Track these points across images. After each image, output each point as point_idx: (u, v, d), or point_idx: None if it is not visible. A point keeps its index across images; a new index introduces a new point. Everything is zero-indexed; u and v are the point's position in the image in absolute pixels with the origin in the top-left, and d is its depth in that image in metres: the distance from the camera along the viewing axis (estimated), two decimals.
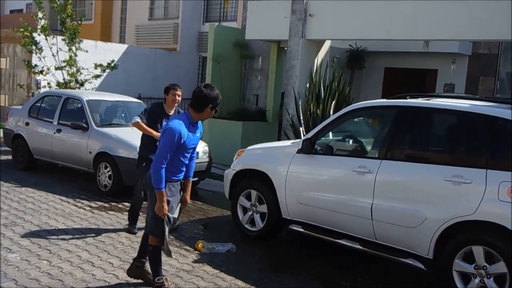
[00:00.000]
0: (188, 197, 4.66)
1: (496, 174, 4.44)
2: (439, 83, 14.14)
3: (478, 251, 4.48)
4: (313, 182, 5.76)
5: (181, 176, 4.51)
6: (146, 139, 6.21)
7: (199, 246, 5.82)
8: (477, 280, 4.49)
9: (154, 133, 6.06)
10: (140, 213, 6.62)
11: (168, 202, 4.34)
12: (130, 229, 6.32)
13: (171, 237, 6.17)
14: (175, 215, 4.49)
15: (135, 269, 4.81)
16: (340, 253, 5.84)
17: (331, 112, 8.97)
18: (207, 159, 8.74)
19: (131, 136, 7.82)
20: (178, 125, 4.20)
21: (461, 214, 4.54)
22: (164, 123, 6.20)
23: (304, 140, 5.84)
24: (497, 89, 13.48)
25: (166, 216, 4.32)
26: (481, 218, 4.45)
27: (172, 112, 6.12)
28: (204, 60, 17.08)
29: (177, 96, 6.10)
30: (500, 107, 4.76)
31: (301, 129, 8.91)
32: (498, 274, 4.39)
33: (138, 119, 6.13)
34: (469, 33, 8.23)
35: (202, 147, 8.74)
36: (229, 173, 6.72)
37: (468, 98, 5.40)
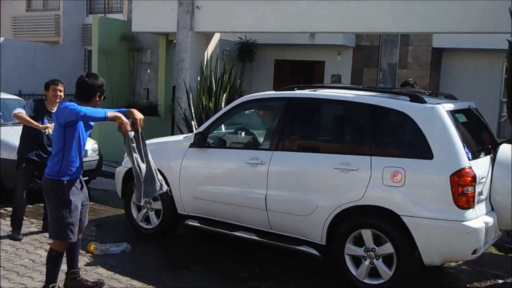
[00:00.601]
0: None
1: (380, 160, 4.70)
2: (327, 74, 14.76)
3: (366, 234, 4.72)
4: (207, 176, 5.75)
5: (79, 173, 4.26)
6: (26, 138, 5.84)
7: (92, 248, 5.59)
8: (367, 262, 4.74)
9: (37, 124, 5.70)
10: (25, 218, 6.21)
11: (70, 202, 4.10)
12: (14, 235, 5.91)
13: None
14: (80, 216, 4.26)
15: (70, 283, 4.51)
16: (238, 246, 5.89)
17: (223, 105, 9.01)
18: (97, 157, 8.41)
19: (10, 136, 7.29)
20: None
21: (350, 200, 4.76)
22: (45, 121, 5.86)
23: (196, 134, 5.81)
24: (379, 79, 14.34)
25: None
26: (368, 203, 4.70)
27: (54, 109, 5.80)
28: (90, 54, 16.36)
29: (58, 92, 5.80)
30: (382, 97, 5.05)
31: (193, 123, 8.89)
32: (386, 255, 4.66)
33: (21, 110, 5.74)
34: (351, 26, 8.64)
35: (91, 145, 8.39)
36: (120, 171, 6.51)
37: (353, 89, 5.67)
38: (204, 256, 5.66)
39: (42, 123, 5.86)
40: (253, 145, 6.06)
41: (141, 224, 6.25)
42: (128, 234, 6.29)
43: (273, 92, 6.01)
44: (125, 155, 6.56)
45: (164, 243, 6.04)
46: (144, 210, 6.22)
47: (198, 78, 10.01)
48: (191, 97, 9.60)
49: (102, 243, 5.75)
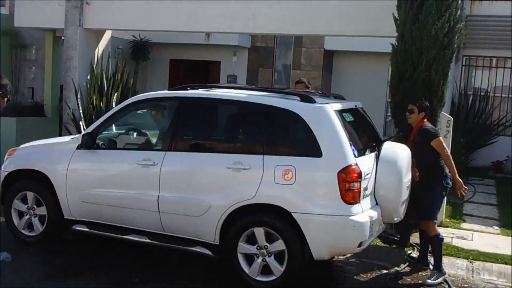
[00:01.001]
0: None
1: (272, 159, 4.83)
2: (223, 74, 14.88)
3: (259, 232, 4.83)
4: (97, 179, 5.56)
5: None
6: None
7: None
8: (259, 260, 4.85)
9: None
10: None
11: None
12: None
13: None
14: None
15: None
16: (131, 249, 5.75)
17: (114, 105, 8.76)
18: None
19: None
20: None
21: (243, 199, 4.84)
22: None
23: (84, 135, 5.60)
24: (274, 80, 14.71)
25: None
26: (260, 201, 4.80)
27: None
28: None
29: None
30: (274, 97, 5.18)
31: (81, 123, 8.54)
32: (278, 252, 4.80)
33: None
34: (244, 26, 8.77)
35: None
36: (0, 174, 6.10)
37: (246, 88, 5.77)
38: (93, 262, 5.47)
39: None
40: (145, 145, 5.97)
41: (23, 231, 5.90)
42: (9, 243, 5.89)
43: (166, 91, 5.96)
44: (5, 158, 6.17)
45: (50, 251, 5.75)
46: (27, 217, 5.88)
47: (88, 77, 9.64)
48: (80, 96, 9.23)
49: None
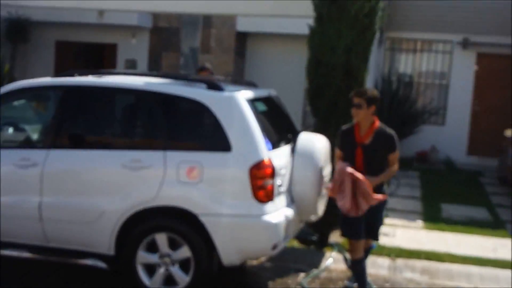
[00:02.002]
0: None
1: (175, 154, 4.84)
2: (120, 59, 14.62)
3: (161, 238, 4.84)
4: None
5: None
6: None
7: None
8: (162, 270, 4.87)
9: None
10: None
11: None
12: None
13: None
14: None
15: None
16: (13, 265, 5.57)
17: None
18: None
19: None
20: None
21: (142, 202, 4.82)
22: None
23: None
24: (180, 65, 14.63)
25: None
26: (162, 203, 4.81)
27: None
28: None
29: None
30: (177, 84, 5.19)
31: None
32: (183, 259, 4.84)
33: None
34: (144, 4, 8.68)
35: None
36: None
37: (145, 75, 5.73)
38: None
39: None
40: (24, 143, 5.77)
41: None
42: None
43: (49, 79, 5.78)
44: None
45: None
46: None
47: None
48: None
49: None
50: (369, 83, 6.87)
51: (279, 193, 4.97)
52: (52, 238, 5.09)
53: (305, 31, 6.64)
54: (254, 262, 6.00)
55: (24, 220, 5.10)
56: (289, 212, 5.01)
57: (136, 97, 5.34)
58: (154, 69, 13.92)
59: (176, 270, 4.84)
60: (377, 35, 6.57)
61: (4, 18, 13.05)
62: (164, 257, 4.85)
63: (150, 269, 4.91)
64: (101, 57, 15.11)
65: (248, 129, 4.83)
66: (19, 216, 5.11)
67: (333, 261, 6.13)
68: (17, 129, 5.88)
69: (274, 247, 4.79)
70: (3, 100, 5.51)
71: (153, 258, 4.88)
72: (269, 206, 4.76)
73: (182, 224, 4.80)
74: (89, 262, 5.00)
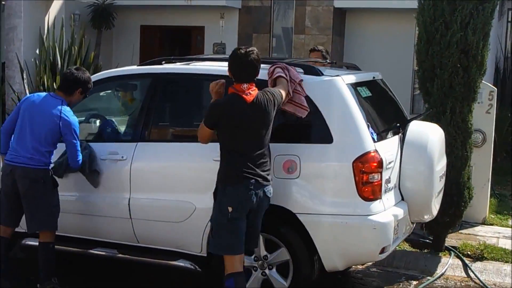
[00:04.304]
0: None
1: (270, 147, 4.83)
2: (208, 43, 14.80)
3: None
4: None
5: None
6: None
7: None
8: (258, 273, 4.90)
9: None
10: None
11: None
12: None
13: None
14: None
15: None
16: (103, 264, 5.79)
17: None
18: None
19: None
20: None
21: None
22: None
23: None
24: (272, 47, 14.66)
25: None
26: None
27: None
28: None
29: None
30: None
31: None
32: (281, 263, 4.85)
33: None
34: None
35: None
36: None
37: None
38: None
39: None
40: (111, 136, 5.97)
41: None
42: None
43: (135, 67, 5.97)
44: None
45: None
46: None
47: (37, 51, 9.65)
48: (26, 76, 9.24)
49: None
50: (489, 62, 6.57)
51: (387, 190, 4.87)
52: (141, 237, 5.25)
53: (413, 4, 6.47)
54: (360, 267, 5.92)
55: (112, 218, 5.29)
56: (399, 212, 4.90)
57: (228, 84, 5.37)
58: None
59: (273, 274, 4.86)
60: (498, 6, 6.28)
61: (89, 4, 13.58)
62: (260, 259, 4.88)
63: (245, 273, 4.94)
64: (188, 42, 15.38)
65: (350, 117, 4.76)
66: (107, 214, 5.30)
67: (450, 268, 5.93)
68: (103, 121, 6.10)
69: (382, 251, 4.71)
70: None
71: (248, 261, 4.90)
72: (376, 204, 4.68)
73: (280, 224, 4.80)
74: (179, 263, 5.11)
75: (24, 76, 9.22)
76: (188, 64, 5.58)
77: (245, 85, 4.43)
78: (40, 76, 9.34)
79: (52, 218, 5.15)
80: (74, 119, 5.15)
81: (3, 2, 10.17)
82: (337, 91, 4.83)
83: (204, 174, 4.96)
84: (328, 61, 6.45)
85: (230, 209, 4.40)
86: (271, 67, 4.86)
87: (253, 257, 4.90)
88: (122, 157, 5.25)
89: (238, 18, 14.64)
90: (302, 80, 4.80)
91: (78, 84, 5.19)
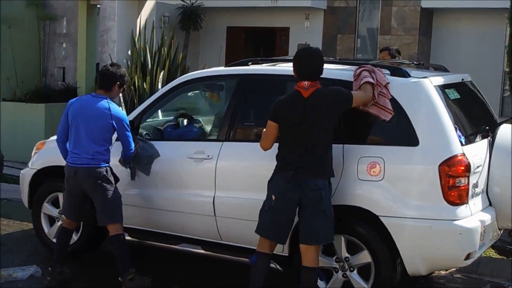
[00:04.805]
0: None
1: (353, 148, 4.81)
2: (292, 43, 14.81)
3: (338, 240, 4.82)
4: (139, 176, 5.72)
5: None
6: None
7: None
8: (339, 275, 4.85)
9: None
10: None
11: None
12: None
13: None
14: None
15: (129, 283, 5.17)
16: (184, 260, 5.92)
17: (160, 86, 8.99)
18: None
19: None
20: None
21: None
22: None
23: None
24: (357, 48, 14.52)
25: None
26: (339, 202, 4.78)
27: None
28: None
29: None
30: None
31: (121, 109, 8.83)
32: (362, 265, 4.79)
33: None
34: None
35: None
36: (26, 174, 6.42)
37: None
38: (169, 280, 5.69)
39: None
40: (198, 135, 6.08)
41: (54, 240, 6.19)
42: (37, 254, 6.25)
43: (223, 68, 6.05)
44: (33, 153, 6.47)
45: (85, 262, 6.02)
46: (59, 223, 6.15)
47: (129, 52, 9.94)
48: None
49: (4, 268, 5.69)
50: None
51: (475, 195, 4.73)
52: (225, 234, 5.31)
53: (505, 4, 6.25)
54: (443, 273, 5.78)
55: (197, 215, 5.37)
56: (486, 217, 4.75)
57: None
58: (328, 54, 13.95)
59: (354, 276, 4.80)
60: None
61: (178, 6, 13.88)
62: (342, 261, 4.84)
63: (326, 274, 4.91)
64: (272, 43, 15.44)
65: (437, 120, 4.65)
66: (192, 211, 5.40)
67: None
68: (191, 120, 6.21)
69: (468, 257, 4.57)
70: (178, 91, 5.86)
71: (329, 262, 4.89)
72: (462, 209, 4.55)
73: (362, 226, 4.75)
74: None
75: None
76: (274, 65, 5.61)
77: (306, 83, 4.58)
78: (131, 76, 9.60)
79: (118, 211, 5.39)
80: (123, 113, 5.43)
81: (98, 6, 10.54)
82: (425, 93, 4.73)
83: None
84: (401, 60, 6.34)
85: (273, 197, 4.58)
86: (357, 69, 4.83)
87: (334, 258, 4.87)
88: (208, 156, 5.33)
89: (323, 18, 14.59)
90: (388, 83, 4.75)
91: (115, 79, 5.37)
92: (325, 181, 4.58)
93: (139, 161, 5.58)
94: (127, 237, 5.80)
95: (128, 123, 5.40)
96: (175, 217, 5.55)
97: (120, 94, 9.23)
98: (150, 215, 5.70)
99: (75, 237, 6.07)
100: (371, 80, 4.67)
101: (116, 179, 5.45)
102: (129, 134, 5.41)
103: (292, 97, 4.65)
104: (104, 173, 5.29)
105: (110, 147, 5.37)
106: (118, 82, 5.40)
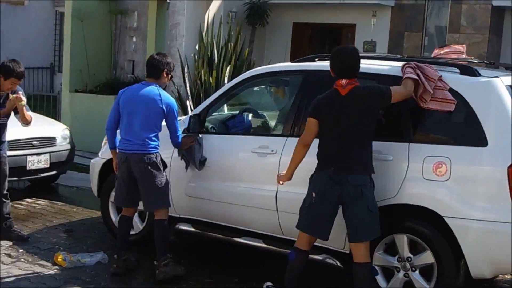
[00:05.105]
0: None
1: (420, 148, 4.73)
2: (358, 40, 14.66)
3: (401, 240, 4.77)
4: (204, 169, 5.79)
5: None
6: None
7: (59, 259, 5.71)
8: (401, 274, 4.79)
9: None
10: None
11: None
12: None
13: (21, 250, 5.99)
14: None
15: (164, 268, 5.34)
16: (246, 253, 5.95)
17: (226, 80, 9.04)
18: (68, 146, 8.52)
19: None
20: None
21: (382, 197, 4.78)
22: None
23: (191, 117, 5.86)
24: (425, 46, 14.24)
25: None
26: (403, 201, 4.73)
27: (2, 93, 6.12)
28: (62, 17, 16.49)
29: (15, 86, 6.13)
30: None
31: (188, 102, 8.95)
32: (424, 266, 4.71)
33: None
34: None
35: (60, 131, 8.51)
36: (96, 163, 6.59)
37: (388, 59, 5.66)
38: (199, 268, 5.76)
39: None
40: (262, 130, 6.12)
41: None
42: (104, 242, 6.42)
43: (289, 64, 6.05)
44: (103, 143, 6.63)
45: (150, 252, 6.12)
46: None
47: (196, 47, 10.03)
48: (186, 70, 9.64)
49: (73, 253, 5.85)
50: None
51: None
52: (286, 229, 5.30)
53: None
54: (507, 277, 5.64)
55: (260, 209, 5.39)
56: None
57: (379, 83, 5.28)
58: (394, 51, 13.73)
59: (416, 277, 4.72)
60: None
61: (246, 2, 13.94)
62: (404, 261, 4.76)
63: (387, 273, 4.87)
64: (338, 39, 15.32)
65: (508, 121, 4.52)
66: (255, 204, 5.42)
67: None
68: (256, 115, 6.24)
69: None
70: (244, 86, 5.90)
71: (391, 261, 4.83)
72: None
73: (426, 226, 4.66)
74: (321, 258, 5.12)
75: (185, 70, 9.61)
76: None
77: (344, 81, 4.64)
78: (198, 71, 9.70)
79: (166, 196, 5.55)
80: (173, 100, 5.59)
81: (168, 1, 10.69)
82: (495, 93, 4.62)
83: None
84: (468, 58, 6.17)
85: (313, 194, 4.65)
86: (402, 66, 4.85)
87: (396, 257, 4.81)
88: (272, 150, 5.34)
89: (390, 16, 14.38)
90: (441, 76, 4.73)
91: (162, 67, 5.52)
92: (365, 177, 4.61)
93: (191, 158, 5.72)
94: (190, 228, 5.90)
95: (176, 110, 5.58)
96: (237, 210, 5.59)
97: (188, 88, 9.43)
98: (212, 207, 5.76)
99: (140, 226, 6.21)
100: (412, 76, 4.67)
101: (165, 166, 5.61)
102: (177, 122, 5.58)
103: (330, 95, 4.71)
104: (154, 159, 5.42)
105: (158, 133, 5.50)
106: (166, 70, 5.55)
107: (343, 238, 4.95)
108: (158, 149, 5.49)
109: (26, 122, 6.21)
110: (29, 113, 6.24)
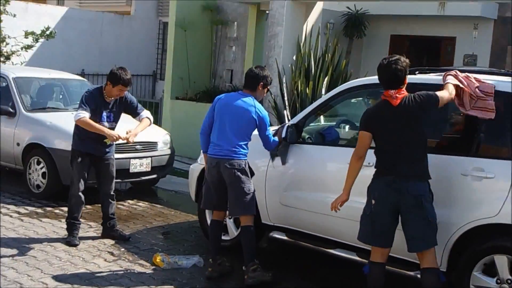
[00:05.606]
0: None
1: None
2: (458, 54, 14.26)
3: (501, 261, 4.57)
4: (299, 179, 5.80)
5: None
6: (82, 130, 6.20)
7: (158, 260, 5.84)
8: None
9: (106, 131, 6.16)
10: (82, 221, 6.57)
11: None
12: (70, 240, 6.30)
13: (122, 249, 6.18)
14: None
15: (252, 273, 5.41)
16: (329, 264, 5.90)
17: (323, 91, 9.01)
18: (169, 151, 8.74)
19: (70, 123, 7.73)
20: None
21: (482, 216, 4.64)
22: (104, 114, 6.21)
23: (288, 127, 5.86)
24: None
25: None
26: (505, 221, 4.54)
27: (110, 99, 6.33)
28: (166, 27, 17.00)
29: (123, 93, 6.32)
30: None
31: (285, 112, 8.98)
32: None
33: (84, 115, 6.15)
34: None
35: (162, 136, 8.74)
36: (195, 169, 6.72)
37: (492, 73, 5.46)
38: (289, 275, 5.79)
39: (101, 118, 6.22)
40: None
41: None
42: (200, 246, 6.53)
43: None
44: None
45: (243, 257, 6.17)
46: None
47: (294, 58, 10.06)
48: (284, 81, 9.68)
49: (170, 255, 5.98)
50: None
51: None
52: None
53: None
54: None
55: (354, 221, 5.28)
56: None
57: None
58: (496, 66, 13.24)
59: None
60: None
61: (343, 13, 13.88)
62: (504, 283, 4.55)
63: None
64: (437, 52, 14.95)
65: None
66: (351, 217, 5.30)
67: None
68: (352, 127, 6.18)
69: None
70: (342, 97, 5.86)
71: (489, 282, 4.63)
72: None
73: None
74: (417, 275, 4.97)
75: (283, 81, 9.65)
76: (441, 75, 5.40)
77: (392, 91, 4.67)
78: (294, 81, 9.71)
79: (252, 203, 5.57)
80: (266, 113, 5.66)
81: (267, 11, 10.78)
82: None
83: (449, 188, 4.83)
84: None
85: (373, 201, 4.66)
86: (444, 74, 4.94)
87: (495, 279, 4.61)
88: (369, 163, 5.22)
89: (492, 29, 13.89)
90: (478, 86, 4.81)
91: (258, 80, 5.58)
92: (425, 186, 4.59)
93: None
94: (284, 237, 5.91)
95: (268, 122, 5.66)
96: (331, 221, 5.53)
97: (285, 98, 9.47)
98: (306, 217, 5.74)
99: (235, 232, 6.27)
100: (452, 81, 4.81)
101: (252, 173, 5.65)
102: (270, 133, 5.68)
103: (381, 106, 4.77)
104: (243, 165, 5.51)
105: (248, 142, 5.59)
106: (262, 83, 5.60)
107: (440, 255, 4.81)
108: (246, 157, 5.57)
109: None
110: (145, 123, 6.56)
